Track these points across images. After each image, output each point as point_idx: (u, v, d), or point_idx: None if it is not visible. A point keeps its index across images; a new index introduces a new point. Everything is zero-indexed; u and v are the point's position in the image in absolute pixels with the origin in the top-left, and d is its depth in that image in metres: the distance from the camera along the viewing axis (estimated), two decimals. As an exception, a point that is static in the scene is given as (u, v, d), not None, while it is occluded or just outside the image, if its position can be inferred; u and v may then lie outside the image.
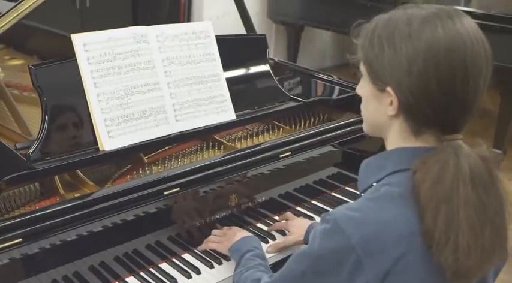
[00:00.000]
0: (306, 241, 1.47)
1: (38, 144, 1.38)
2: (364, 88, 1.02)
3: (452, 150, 0.91)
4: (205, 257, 1.48)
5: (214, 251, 1.47)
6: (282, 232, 1.58)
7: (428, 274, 0.91)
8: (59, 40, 2.48)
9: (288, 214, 1.63)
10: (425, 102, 0.92)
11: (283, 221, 1.60)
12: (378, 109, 0.99)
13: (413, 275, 0.91)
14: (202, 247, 1.48)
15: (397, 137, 0.99)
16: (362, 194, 1.02)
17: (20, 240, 1.21)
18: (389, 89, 0.94)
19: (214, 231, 1.51)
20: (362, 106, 1.05)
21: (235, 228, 1.49)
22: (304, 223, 1.53)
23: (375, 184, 0.99)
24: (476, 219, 0.89)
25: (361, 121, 1.83)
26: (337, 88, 2.09)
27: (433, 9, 0.94)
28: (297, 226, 1.53)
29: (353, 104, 1.99)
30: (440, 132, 0.95)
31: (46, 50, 2.61)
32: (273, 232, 1.59)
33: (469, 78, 0.91)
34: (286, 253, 1.50)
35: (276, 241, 1.54)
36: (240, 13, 2.17)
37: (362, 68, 1.00)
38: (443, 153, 0.91)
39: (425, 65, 0.90)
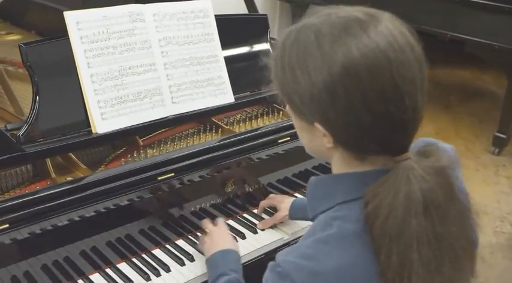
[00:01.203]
0: (290, 216, 1.49)
1: (28, 126, 1.34)
2: (293, 118, 0.90)
3: (403, 174, 0.80)
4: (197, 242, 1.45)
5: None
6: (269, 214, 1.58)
7: None
8: (59, 16, 2.42)
9: (272, 195, 1.60)
10: (360, 133, 0.81)
11: (269, 199, 1.58)
12: (313, 141, 0.88)
13: None
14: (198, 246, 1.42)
15: (340, 164, 0.88)
16: (312, 220, 0.93)
17: (7, 225, 1.18)
18: (317, 124, 0.83)
19: (203, 222, 1.43)
20: (298, 134, 0.93)
21: (223, 230, 1.39)
22: (289, 199, 1.53)
23: (321, 213, 0.90)
24: (431, 256, 0.79)
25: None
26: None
27: (342, 20, 0.80)
28: (282, 202, 1.53)
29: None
30: (386, 155, 0.84)
31: (45, 25, 2.54)
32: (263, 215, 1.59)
33: (403, 95, 0.78)
34: (259, 251, 1.47)
35: (266, 219, 1.55)
36: (241, -9, 2.11)
37: (280, 95, 0.89)
38: (393, 181, 0.80)
39: (348, 93, 0.78)
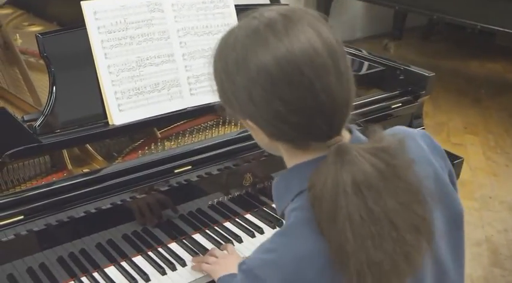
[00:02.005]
0: None
1: (45, 117, 1.33)
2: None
3: (332, 159, 0.83)
4: (215, 237, 1.43)
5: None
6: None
7: None
8: (80, 7, 2.42)
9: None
10: (284, 125, 0.85)
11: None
12: (257, 136, 0.93)
13: None
14: (195, 266, 1.34)
15: (288, 155, 0.92)
16: (280, 217, 0.95)
17: (22, 217, 1.17)
18: (248, 121, 0.89)
19: (213, 251, 1.36)
20: None
21: (235, 257, 1.35)
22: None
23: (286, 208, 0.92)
24: (368, 234, 0.80)
25: (388, 98, 1.79)
26: (364, 63, 1.98)
27: (257, 26, 0.84)
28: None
29: (380, 80, 1.89)
30: (318, 141, 0.86)
31: (66, 16, 2.54)
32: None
33: (314, 83, 0.82)
34: None
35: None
36: (264, -19, 2.06)
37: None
38: (325, 166, 0.83)
39: (264, 90, 0.83)
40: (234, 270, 1.20)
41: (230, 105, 0.90)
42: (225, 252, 1.37)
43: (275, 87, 0.82)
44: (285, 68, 0.81)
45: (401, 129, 1.00)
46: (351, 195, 0.80)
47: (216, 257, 1.33)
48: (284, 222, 0.92)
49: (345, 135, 0.89)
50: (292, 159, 0.92)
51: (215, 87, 0.92)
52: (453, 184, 1.03)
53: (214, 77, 0.91)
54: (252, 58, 0.83)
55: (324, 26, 0.86)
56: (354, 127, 0.93)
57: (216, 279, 1.27)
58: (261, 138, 0.92)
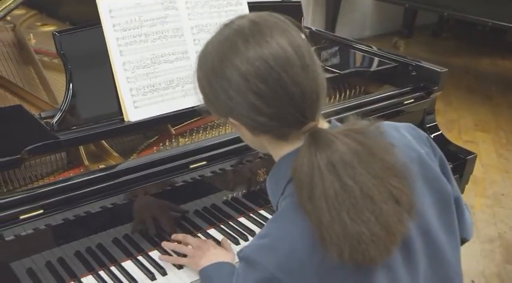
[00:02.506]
0: None
1: (62, 114, 1.35)
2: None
3: (307, 143, 0.89)
4: (230, 232, 1.44)
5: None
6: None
7: (350, 268, 0.88)
8: (93, 6, 2.44)
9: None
10: (260, 117, 0.91)
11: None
12: (242, 134, 1.01)
13: (340, 276, 0.88)
14: (171, 259, 1.34)
15: (273, 149, 0.99)
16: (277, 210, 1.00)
17: (41, 211, 1.19)
18: (230, 119, 0.96)
19: (187, 239, 1.37)
20: None
21: (210, 243, 1.35)
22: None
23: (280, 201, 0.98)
24: (343, 207, 0.85)
25: (400, 94, 1.80)
26: (375, 59, 1.99)
27: (225, 33, 0.94)
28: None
29: (392, 76, 1.89)
30: (295, 129, 0.93)
31: (79, 16, 2.56)
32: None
33: (279, 74, 0.89)
34: None
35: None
36: (275, -21, 2.07)
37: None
38: (301, 151, 0.90)
39: (237, 88, 0.91)
40: (215, 258, 1.27)
41: (213, 108, 0.98)
42: (196, 240, 1.36)
43: (248, 84, 0.89)
44: (255, 65, 0.89)
45: (385, 123, 1.06)
46: (325, 173, 0.86)
47: (190, 244, 1.35)
48: None
49: (323, 124, 0.97)
50: (276, 151, 0.99)
51: (200, 96, 1.00)
52: (445, 169, 1.09)
53: (198, 85, 1.00)
54: (225, 62, 0.91)
55: (291, 29, 0.94)
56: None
57: (196, 268, 1.28)
58: (245, 135, 0.99)
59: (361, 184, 0.85)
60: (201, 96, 1.00)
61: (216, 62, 0.93)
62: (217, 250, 1.32)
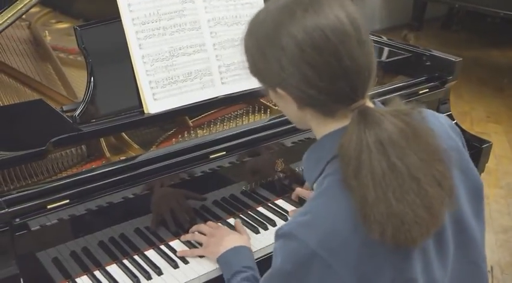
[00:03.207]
0: None
1: (84, 106, 1.37)
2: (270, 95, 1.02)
3: (356, 120, 0.89)
4: (249, 221, 1.46)
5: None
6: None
7: (392, 249, 0.88)
8: (106, 3, 2.47)
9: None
10: (312, 90, 0.90)
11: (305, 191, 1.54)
12: (288, 107, 0.98)
13: (379, 256, 0.88)
14: (187, 252, 1.36)
15: (317, 124, 0.98)
16: (312, 189, 1.00)
17: (68, 201, 1.21)
18: (278, 89, 0.94)
19: (200, 227, 1.40)
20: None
21: (223, 229, 1.38)
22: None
23: (318, 178, 0.97)
24: (389, 187, 0.85)
25: (414, 84, 1.81)
26: (388, 50, 2.00)
27: (283, 2, 0.92)
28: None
29: (406, 66, 1.90)
30: (344, 106, 0.92)
31: (92, 13, 2.59)
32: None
33: (337, 47, 0.88)
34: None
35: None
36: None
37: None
38: (350, 128, 0.89)
39: (292, 57, 0.89)
40: (230, 244, 1.29)
41: (261, 77, 0.97)
42: (209, 228, 1.39)
43: (303, 53, 0.88)
44: (312, 35, 0.87)
45: (426, 109, 1.05)
46: (374, 151, 0.85)
47: (205, 234, 1.37)
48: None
49: (369, 104, 0.95)
50: (320, 128, 0.97)
51: (246, 64, 0.99)
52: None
53: (245, 53, 0.98)
54: (281, 30, 0.89)
55: (348, 3, 0.92)
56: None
57: (214, 259, 1.30)
58: (290, 108, 0.97)
59: (408, 166, 0.85)
60: (247, 65, 0.99)
61: (271, 30, 0.91)
62: (231, 235, 1.35)
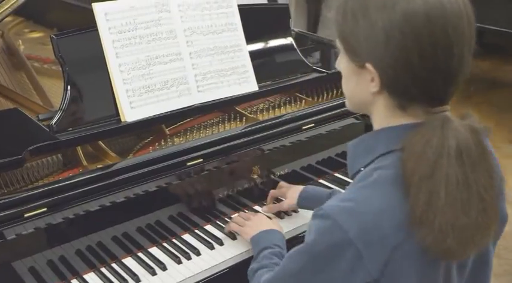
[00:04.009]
0: (298, 204, 1.49)
1: (60, 115, 1.37)
2: (343, 64, 0.96)
3: (438, 123, 0.86)
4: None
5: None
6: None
7: (427, 257, 0.87)
8: (80, 12, 2.46)
9: (281, 183, 1.60)
10: (407, 77, 0.87)
11: (277, 190, 1.58)
12: (359, 86, 0.93)
13: (412, 260, 0.87)
14: (228, 227, 1.45)
15: (383, 113, 0.93)
16: (352, 180, 0.97)
17: (45, 209, 1.22)
18: (368, 65, 0.89)
19: (242, 214, 1.49)
20: (343, 83, 0.99)
21: (261, 216, 1.47)
22: (297, 188, 1.52)
23: (362, 168, 0.95)
24: (460, 198, 0.84)
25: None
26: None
27: None
28: (291, 192, 1.53)
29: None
30: (427, 105, 0.89)
31: (66, 22, 2.58)
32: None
33: (452, 46, 0.86)
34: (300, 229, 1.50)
35: (267, 207, 1.55)
36: (261, -17, 2.13)
37: (338, 44, 0.95)
38: (428, 128, 0.86)
39: (404, 37, 0.85)
40: (267, 227, 1.35)
41: (352, 46, 0.90)
42: (249, 215, 1.46)
43: (418, 37, 0.84)
44: (433, 22, 0.84)
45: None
46: (453, 160, 0.83)
47: (244, 218, 1.44)
48: (354, 180, 0.94)
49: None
50: (386, 118, 0.93)
51: (336, 26, 0.92)
52: None
53: (341, 14, 0.91)
54: (401, 2, 0.85)
55: None
56: None
57: (247, 238, 1.36)
58: (361, 87, 0.92)
59: (477, 183, 0.84)
60: (338, 28, 0.92)
61: (390, 2, 0.85)
62: (267, 220, 1.42)
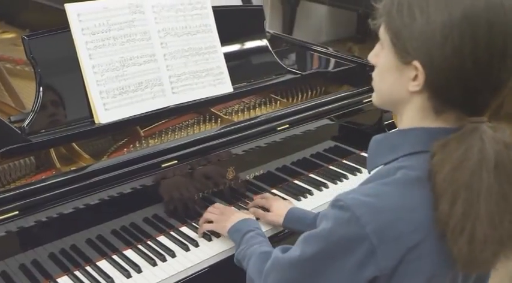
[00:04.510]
0: (284, 223, 1.44)
1: (32, 117, 1.36)
2: (383, 57, 0.93)
3: (477, 134, 0.84)
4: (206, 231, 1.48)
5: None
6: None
7: (439, 262, 0.88)
8: (53, 13, 2.43)
9: (267, 194, 1.60)
10: (456, 82, 0.84)
11: (264, 199, 1.55)
12: (397, 82, 0.90)
13: (425, 263, 0.87)
14: (200, 229, 1.45)
15: (415, 114, 0.91)
16: (369, 173, 0.98)
17: (17, 212, 1.20)
18: (416, 63, 0.86)
19: (210, 209, 1.47)
20: (377, 76, 0.96)
21: (232, 208, 1.47)
22: (285, 205, 1.49)
23: (382, 165, 0.94)
24: (496, 210, 0.83)
25: (358, 94, 1.88)
26: (334, 61, 2.07)
27: None
28: (277, 206, 1.49)
29: (350, 77, 1.98)
30: (466, 113, 0.87)
31: (39, 23, 2.54)
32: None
33: (507, 58, 0.83)
34: (276, 230, 1.50)
35: (254, 210, 1.52)
36: (236, -15, 2.14)
37: (383, 35, 0.91)
38: (467, 137, 0.84)
39: (462, 41, 0.81)
40: (240, 218, 1.36)
41: (404, 40, 0.87)
42: (219, 206, 1.48)
43: (476, 43, 0.81)
44: (495, 30, 0.81)
45: None
46: (491, 170, 0.83)
47: (215, 214, 1.44)
48: (373, 174, 0.94)
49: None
50: (417, 119, 0.91)
51: (390, 21, 0.89)
52: None
53: (396, 6, 0.88)
54: (464, 2, 0.82)
55: None
56: None
57: (224, 232, 1.37)
58: (399, 84, 0.90)
59: (510, 196, 0.85)
60: (389, 20, 0.89)
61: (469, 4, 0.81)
62: (239, 212, 1.43)
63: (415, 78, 0.87)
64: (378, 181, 0.91)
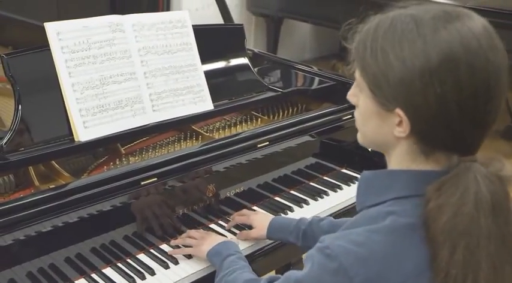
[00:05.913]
0: (268, 235, 1.45)
1: (11, 135, 1.36)
2: (363, 101, 0.88)
3: (471, 175, 0.81)
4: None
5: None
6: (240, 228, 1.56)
7: None
8: (35, 31, 2.43)
9: (245, 211, 1.59)
10: (442, 127, 0.81)
11: (244, 216, 1.54)
12: (381, 127, 0.87)
13: None
14: (177, 251, 1.43)
15: (404, 157, 0.88)
16: (358, 211, 0.95)
17: (-5, 231, 1.19)
18: (399, 110, 0.82)
19: (190, 233, 1.47)
20: (359, 118, 0.92)
21: (212, 233, 1.47)
22: (266, 217, 1.48)
23: (372, 206, 0.91)
24: (496, 254, 0.81)
25: (339, 111, 1.90)
26: (315, 78, 2.10)
27: (442, 12, 0.82)
28: (259, 220, 1.49)
29: (331, 94, 2.00)
30: (456, 153, 0.85)
31: (22, 40, 2.55)
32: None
33: (492, 99, 0.81)
34: (257, 245, 1.49)
35: (238, 234, 1.51)
36: (218, 5, 2.16)
37: (360, 80, 0.87)
38: (461, 178, 0.81)
39: (444, 87, 0.78)
40: (217, 241, 1.35)
41: (382, 87, 0.83)
42: (200, 231, 1.48)
43: (459, 89, 0.78)
44: (477, 75, 0.79)
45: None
46: (489, 214, 0.80)
47: (195, 238, 1.43)
48: (361, 216, 0.91)
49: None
50: (405, 161, 0.88)
51: (367, 69, 0.84)
52: None
53: (369, 53, 0.83)
54: (441, 43, 0.78)
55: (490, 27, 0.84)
56: None
57: (203, 256, 1.36)
58: (385, 129, 0.86)
59: (510, 237, 0.83)
60: (362, 64, 0.85)
61: (421, 41, 0.78)
62: (218, 236, 1.43)
63: (400, 123, 0.84)
64: (366, 227, 0.87)
